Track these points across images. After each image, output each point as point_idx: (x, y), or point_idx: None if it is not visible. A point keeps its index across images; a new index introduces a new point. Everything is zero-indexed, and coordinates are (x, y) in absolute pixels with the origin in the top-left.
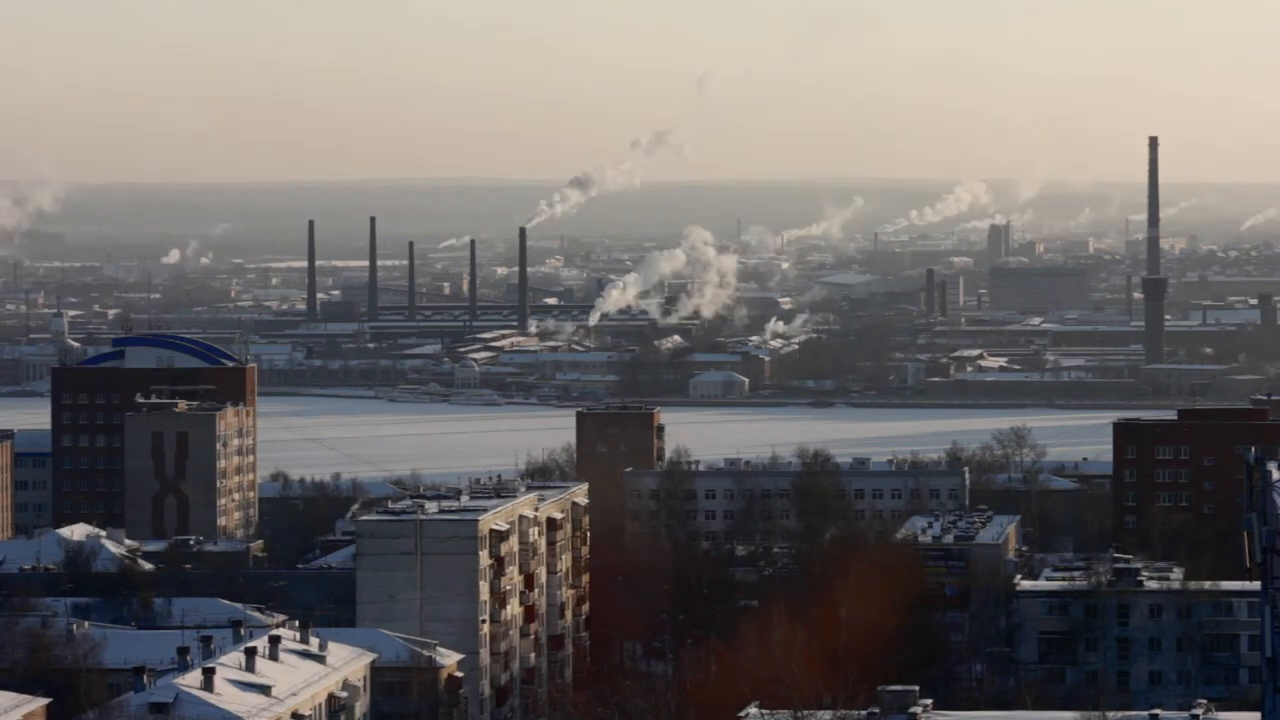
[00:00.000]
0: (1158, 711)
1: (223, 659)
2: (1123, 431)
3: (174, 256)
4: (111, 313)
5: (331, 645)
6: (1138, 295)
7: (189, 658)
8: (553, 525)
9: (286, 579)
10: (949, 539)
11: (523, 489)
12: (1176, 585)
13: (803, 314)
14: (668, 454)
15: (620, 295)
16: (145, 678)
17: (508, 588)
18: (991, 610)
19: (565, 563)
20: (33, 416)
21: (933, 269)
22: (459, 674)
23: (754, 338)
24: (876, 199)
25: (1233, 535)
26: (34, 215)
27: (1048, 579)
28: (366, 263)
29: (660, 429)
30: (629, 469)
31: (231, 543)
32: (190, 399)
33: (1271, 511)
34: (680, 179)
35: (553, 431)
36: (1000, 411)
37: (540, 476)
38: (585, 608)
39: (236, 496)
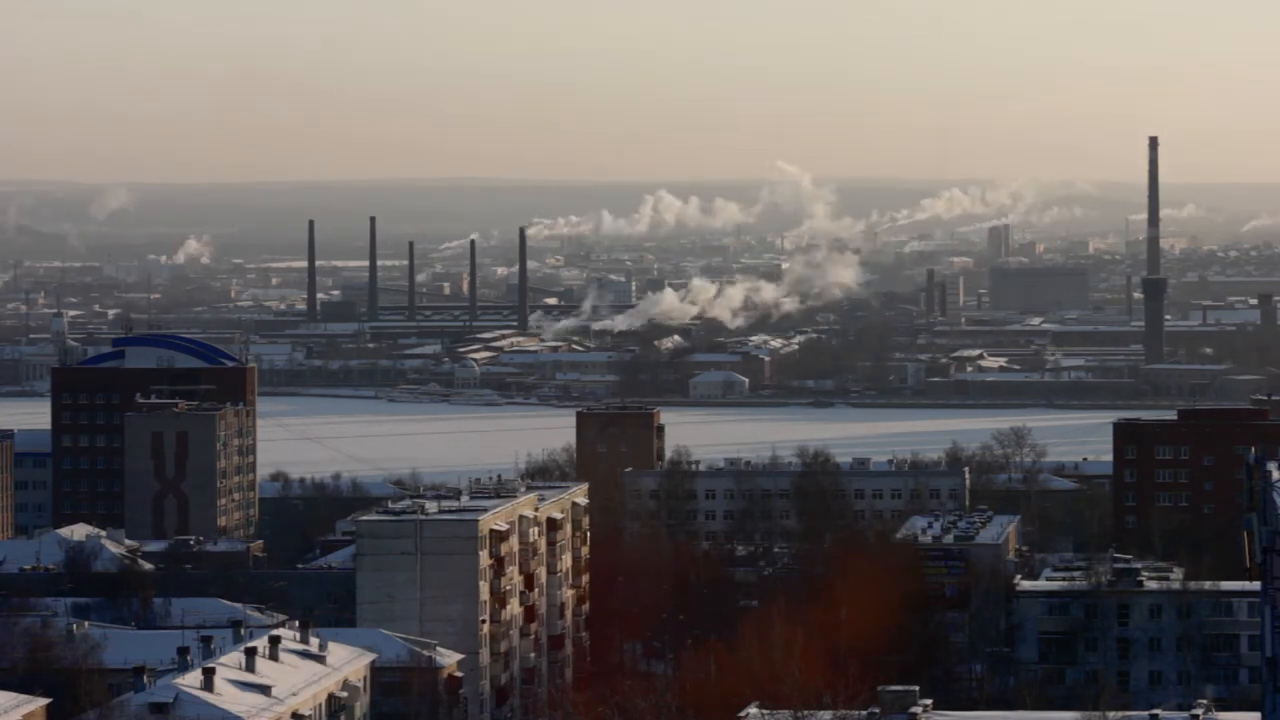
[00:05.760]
0: (1158, 711)
1: (223, 659)
2: (1123, 431)
3: (180, 257)
4: (111, 313)
5: (331, 645)
6: (1138, 295)
7: (189, 658)
8: (553, 525)
9: (286, 579)
10: (949, 539)
11: (523, 489)
12: (1176, 585)
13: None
14: (668, 454)
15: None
16: (145, 678)
17: (508, 588)
18: (991, 610)
19: (565, 563)
20: (33, 416)
21: (933, 269)
22: (459, 674)
23: (754, 338)
24: (876, 199)
25: (1233, 535)
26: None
27: (1048, 579)
28: (366, 263)
29: (660, 429)
30: (629, 469)
31: (231, 543)
32: (190, 399)
33: (1271, 511)
34: (678, 179)
35: (553, 431)
36: (1000, 411)
37: (540, 476)
38: (585, 608)
39: (236, 496)
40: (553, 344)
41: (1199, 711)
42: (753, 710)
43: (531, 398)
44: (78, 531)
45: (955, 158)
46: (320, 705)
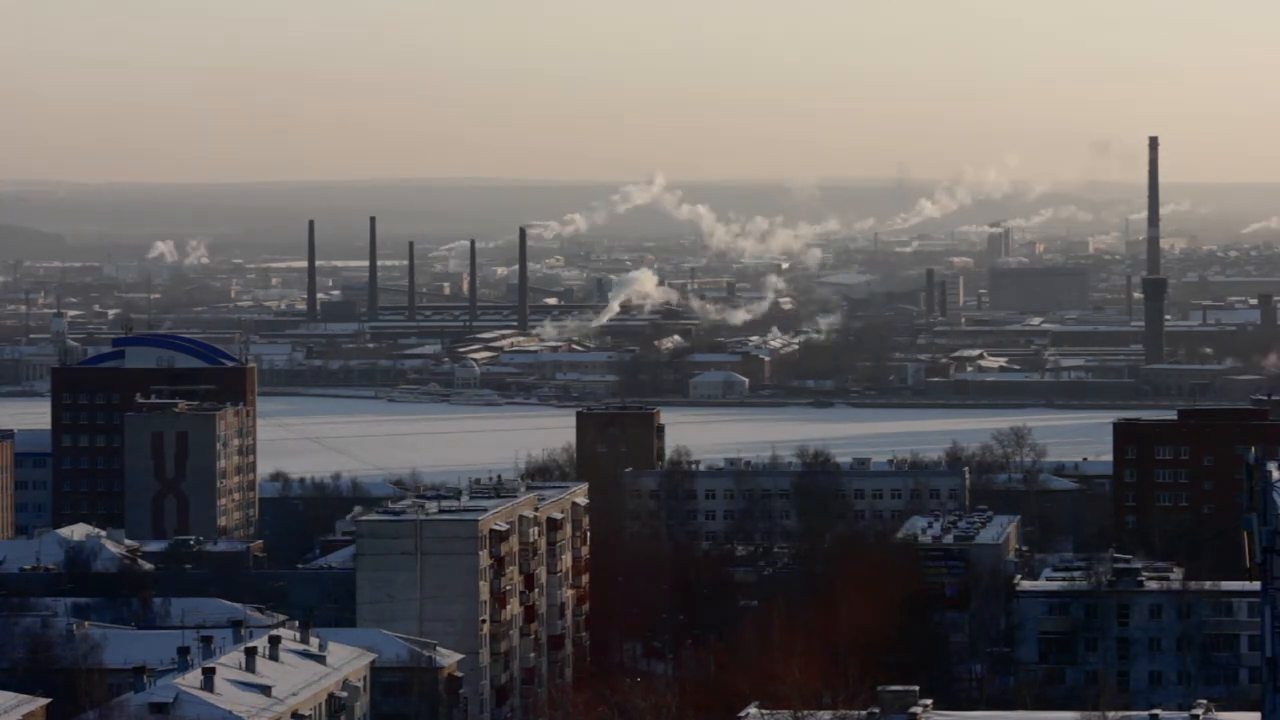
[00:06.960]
0: (1158, 711)
1: (223, 659)
2: (1123, 431)
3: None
4: (111, 313)
5: (331, 645)
6: (1138, 295)
7: (189, 658)
8: (553, 525)
9: (286, 579)
10: (949, 539)
11: (523, 489)
12: (1176, 585)
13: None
14: (668, 454)
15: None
16: (145, 678)
17: (508, 588)
18: (991, 610)
19: (565, 563)
20: (33, 416)
21: (933, 269)
22: (459, 674)
23: (754, 338)
24: (875, 198)
25: (1233, 535)
26: None
27: (1048, 579)
28: (366, 263)
29: (660, 429)
30: (629, 469)
31: (231, 543)
32: (190, 399)
33: (1271, 511)
34: (678, 178)
35: (553, 431)
36: (1000, 411)
37: (540, 476)
38: (585, 608)
39: (236, 496)
40: (553, 344)
41: (1199, 711)
42: (753, 710)
43: (531, 398)
44: (78, 531)
45: (953, 157)
46: (320, 705)
